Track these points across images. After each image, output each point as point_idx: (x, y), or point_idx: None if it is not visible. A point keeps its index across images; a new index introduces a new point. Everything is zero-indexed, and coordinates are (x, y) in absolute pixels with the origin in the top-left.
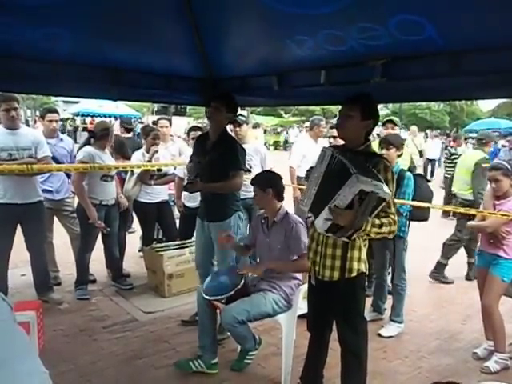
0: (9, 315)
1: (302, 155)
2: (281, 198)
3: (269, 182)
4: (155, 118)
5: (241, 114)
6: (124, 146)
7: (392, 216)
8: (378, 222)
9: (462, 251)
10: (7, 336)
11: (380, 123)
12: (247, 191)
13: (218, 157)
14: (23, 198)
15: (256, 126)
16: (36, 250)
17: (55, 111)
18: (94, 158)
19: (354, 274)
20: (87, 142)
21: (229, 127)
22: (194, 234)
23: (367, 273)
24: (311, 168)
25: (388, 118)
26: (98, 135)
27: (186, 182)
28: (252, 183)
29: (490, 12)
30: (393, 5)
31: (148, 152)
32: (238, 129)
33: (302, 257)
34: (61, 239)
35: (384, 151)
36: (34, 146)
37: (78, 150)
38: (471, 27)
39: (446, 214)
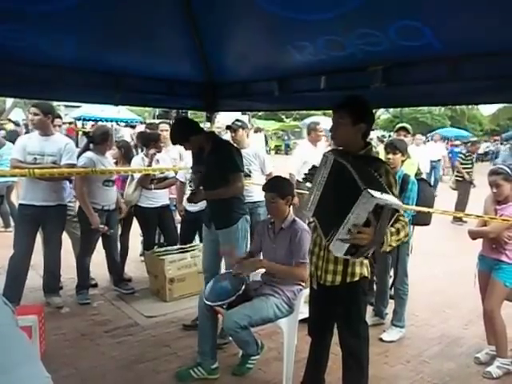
0: (11, 320)
1: (303, 161)
2: (290, 205)
3: (287, 189)
4: (156, 122)
5: (237, 120)
6: (131, 152)
7: (402, 218)
8: (393, 229)
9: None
10: (9, 340)
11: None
12: (248, 196)
13: (215, 164)
14: (41, 200)
15: (257, 130)
16: (50, 251)
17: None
18: (95, 164)
19: (357, 278)
20: (87, 148)
21: (229, 133)
22: (196, 238)
23: (369, 277)
24: (313, 166)
25: (401, 125)
26: (98, 140)
27: (187, 187)
28: (269, 190)
29: (489, 17)
30: (393, 11)
31: (147, 156)
32: (233, 134)
33: (298, 265)
34: (62, 243)
35: (390, 155)
36: (59, 153)
37: (78, 156)
38: (469, 32)
39: (456, 218)
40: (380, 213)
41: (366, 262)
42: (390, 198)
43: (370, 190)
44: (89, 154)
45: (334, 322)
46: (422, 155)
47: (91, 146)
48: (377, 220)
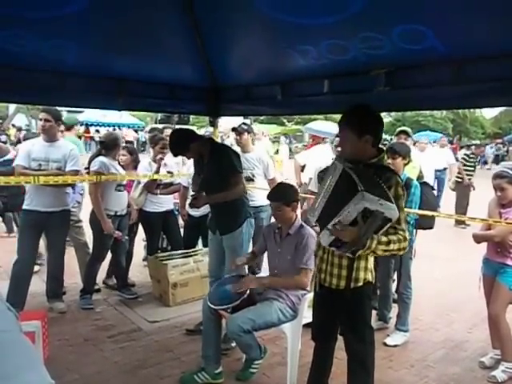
0: (15, 325)
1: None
2: (296, 209)
3: (292, 195)
4: (159, 126)
5: (244, 123)
6: (138, 157)
7: (401, 233)
8: (385, 239)
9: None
10: (13, 346)
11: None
12: (251, 200)
13: (215, 169)
14: (46, 206)
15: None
16: (54, 256)
17: None
18: (108, 168)
19: (361, 283)
20: (99, 153)
21: (231, 137)
22: (199, 243)
23: (374, 282)
24: (326, 168)
25: (401, 129)
26: (110, 145)
27: (190, 192)
28: (274, 199)
29: (492, 21)
30: (396, 15)
31: (155, 161)
32: (238, 137)
33: (300, 271)
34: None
35: (390, 160)
36: (64, 160)
37: (89, 161)
38: (472, 36)
39: (459, 222)
40: (368, 217)
41: (370, 267)
42: (385, 206)
43: (365, 193)
44: (102, 158)
45: (338, 327)
46: (426, 164)
47: (103, 151)
48: (364, 223)
